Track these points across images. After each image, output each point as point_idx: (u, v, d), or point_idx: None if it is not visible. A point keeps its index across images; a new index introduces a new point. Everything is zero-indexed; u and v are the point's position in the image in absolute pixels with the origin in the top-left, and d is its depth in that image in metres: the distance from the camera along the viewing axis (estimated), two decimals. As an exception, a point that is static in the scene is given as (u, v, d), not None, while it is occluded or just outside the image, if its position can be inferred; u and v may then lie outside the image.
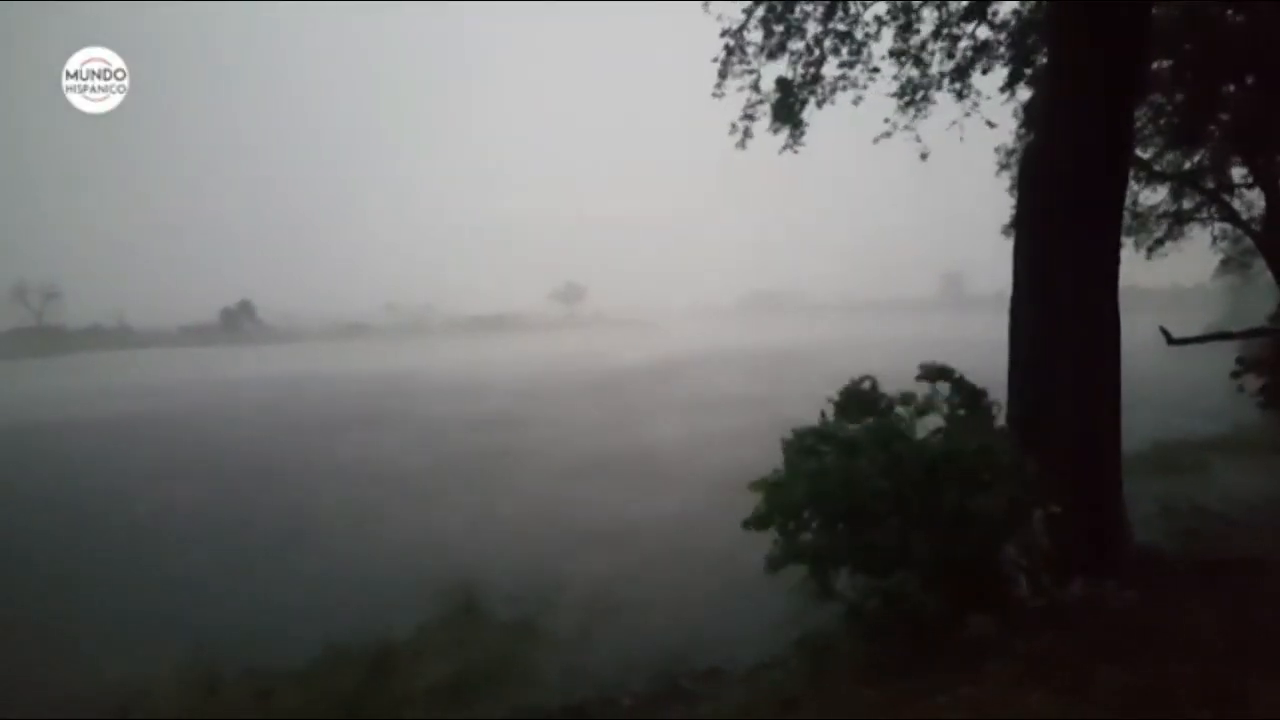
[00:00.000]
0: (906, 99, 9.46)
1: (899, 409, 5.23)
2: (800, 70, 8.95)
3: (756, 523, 4.88)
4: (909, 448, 4.89)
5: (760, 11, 8.62)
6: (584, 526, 11.17)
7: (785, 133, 9.17)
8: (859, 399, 5.33)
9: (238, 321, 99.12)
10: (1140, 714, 3.37)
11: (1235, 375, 9.72)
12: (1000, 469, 4.80)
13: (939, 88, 9.50)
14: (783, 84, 8.94)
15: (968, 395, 5.40)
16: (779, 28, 8.73)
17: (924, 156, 9.61)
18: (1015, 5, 9.29)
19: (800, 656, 5.23)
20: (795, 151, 9.30)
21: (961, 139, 9.62)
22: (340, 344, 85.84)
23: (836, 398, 5.40)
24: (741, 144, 9.11)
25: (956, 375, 5.48)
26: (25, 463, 19.78)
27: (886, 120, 9.52)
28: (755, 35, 8.76)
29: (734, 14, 8.68)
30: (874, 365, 5.83)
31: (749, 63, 8.85)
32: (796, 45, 8.85)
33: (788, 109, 9.03)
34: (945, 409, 5.35)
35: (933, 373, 5.47)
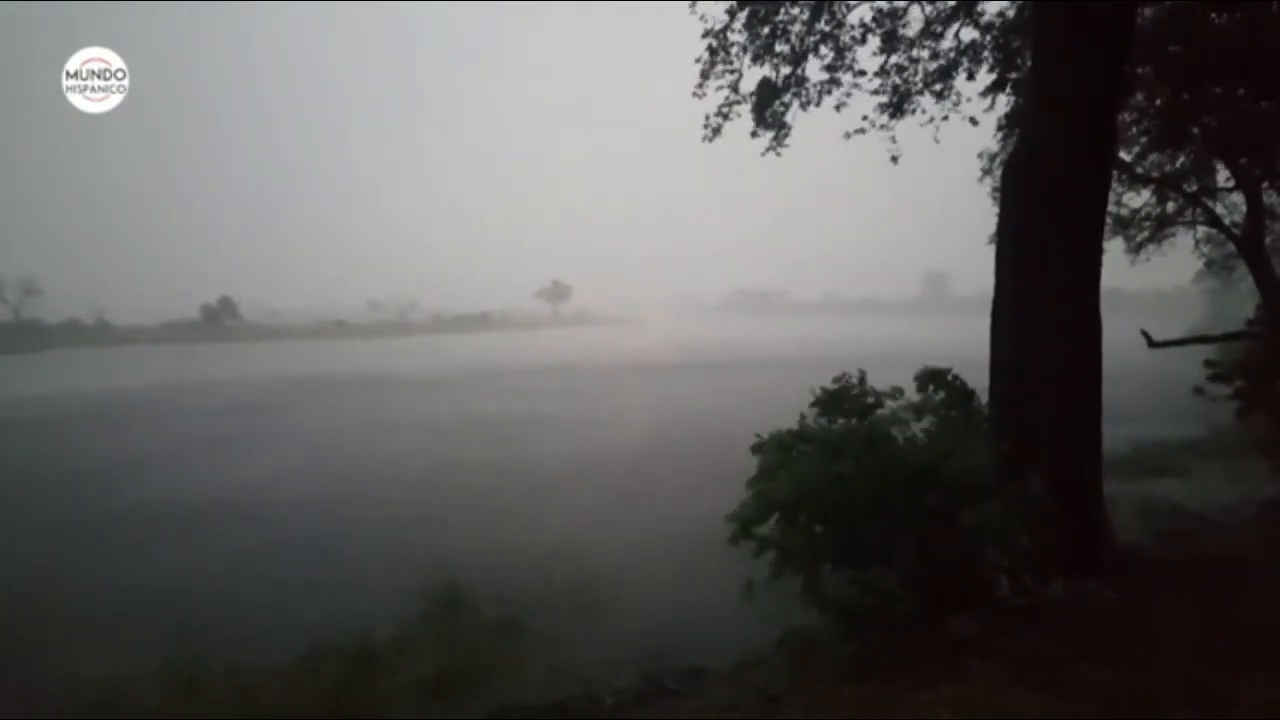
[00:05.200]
0: (891, 104, 9.46)
1: (889, 404, 5.22)
2: (784, 72, 8.96)
3: (739, 517, 4.85)
4: (895, 452, 4.88)
5: (744, 14, 8.62)
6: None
7: (767, 136, 9.23)
8: (841, 397, 5.31)
9: (219, 318, 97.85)
10: (1121, 712, 3.38)
11: (1212, 379, 9.62)
12: (985, 474, 4.80)
13: (922, 92, 9.51)
14: (766, 86, 8.94)
15: (958, 396, 5.41)
16: (764, 29, 8.72)
17: (895, 159, 9.63)
18: (1001, 5, 9.32)
19: (783, 655, 5.22)
20: (778, 154, 9.38)
21: (937, 140, 9.64)
22: (324, 343, 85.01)
23: (818, 394, 5.36)
24: (710, 139, 9.19)
25: (949, 377, 5.49)
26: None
27: (865, 118, 9.51)
28: (739, 36, 8.77)
29: (717, 13, 8.69)
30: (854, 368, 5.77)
31: (732, 63, 8.87)
32: (782, 47, 8.86)
33: (771, 112, 9.06)
34: (938, 412, 5.36)
35: (928, 379, 5.47)
